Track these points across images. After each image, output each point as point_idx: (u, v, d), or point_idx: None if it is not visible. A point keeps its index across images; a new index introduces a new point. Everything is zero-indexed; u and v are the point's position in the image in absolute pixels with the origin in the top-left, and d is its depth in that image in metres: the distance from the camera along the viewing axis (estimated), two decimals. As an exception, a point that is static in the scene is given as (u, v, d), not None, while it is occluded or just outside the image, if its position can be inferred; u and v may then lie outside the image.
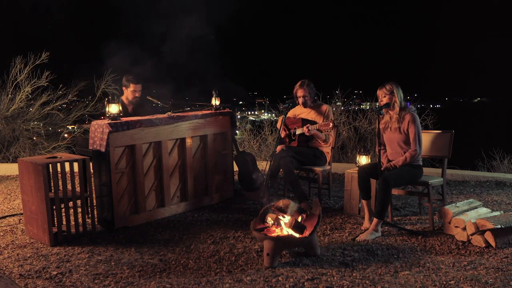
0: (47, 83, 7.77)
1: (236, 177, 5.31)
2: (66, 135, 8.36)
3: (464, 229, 3.46)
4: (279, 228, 3.26)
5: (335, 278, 2.87)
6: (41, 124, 7.88)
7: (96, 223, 3.95)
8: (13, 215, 4.49)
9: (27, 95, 7.76)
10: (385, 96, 3.84)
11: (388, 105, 3.83)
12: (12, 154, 7.61)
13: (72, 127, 8.52)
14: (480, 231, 3.37)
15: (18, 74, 7.70)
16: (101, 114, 8.64)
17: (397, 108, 3.85)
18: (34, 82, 7.71)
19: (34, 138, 7.74)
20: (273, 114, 9.06)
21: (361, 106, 8.76)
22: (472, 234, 3.42)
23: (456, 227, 3.54)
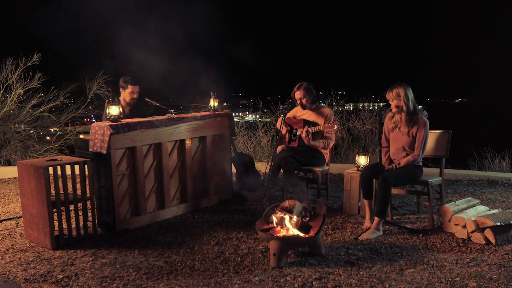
0: (39, 84, 7.66)
1: (233, 178, 5.32)
2: (48, 137, 8.25)
3: (464, 227, 3.53)
4: (284, 228, 3.28)
5: (342, 277, 2.90)
6: (22, 126, 7.71)
7: (97, 225, 3.91)
8: (9, 219, 4.42)
9: (19, 97, 7.63)
10: (393, 101, 3.85)
11: (389, 106, 3.88)
12: (3, 157, 7.48)
13: (54, 129, 8.41)
14: (480, 229, 3.44)
15: (9, 75, 7.57)
16: (86, 116, 8.56)
17: (404, 113, 3.86)
18: (26, 84, 7.60)
19: (17, 140, 7.58)
20: (258, 116, 9.09)
21: (345, 107, 8.83)
22: (472, 232, 3.49)
23: (456, 225, 3.61)
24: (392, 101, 3.85)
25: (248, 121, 9.87)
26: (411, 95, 3.83)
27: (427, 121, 3.87)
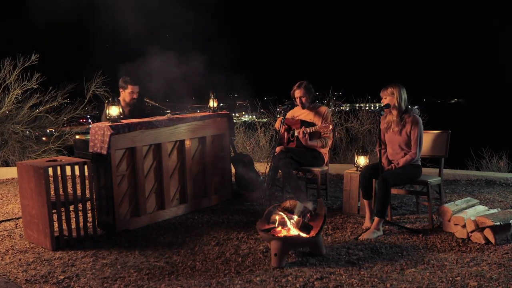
0: (37, 85, 7.64)
1: (233, 178, 5.32)
2: (44, 138, 8.24)
3: (464, 226, 3.55)
4: (285, 229, 3.29)
5: (343, 276, 2.91)
6: (18, 127, 7.68)
7: (97, 226, 3.90)
8: (8, 220, 4.41)
9: (17, 97, 7.60)
10: (386, 98, 3.91)
11: (388, 106, 3.90)
12: (1, 158, 7.45)
13: (50, 130, 8.40)
14: (479, 228, 3.46)
15: (7, 76, 7.54)
16: (82, 117, 8.54)
17: (395, 111, 3.90)
18: (24, 84, 7.57)
19: (15, 141, 7.53)
20: (254, 116, 9.10)
21: (342, 108, 8.86)
22: (472, 232, 3.50)
23: (456, 224, 3.62)
24: (385, 98, 3.92)
25: (245, 121, 9.87)
26: (404, 95, 3.90)
27: (419, 118, 3.92)
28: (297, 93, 4.68)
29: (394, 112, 3.93)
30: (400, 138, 3.92)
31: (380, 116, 3.95)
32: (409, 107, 3.98)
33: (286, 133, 4.80)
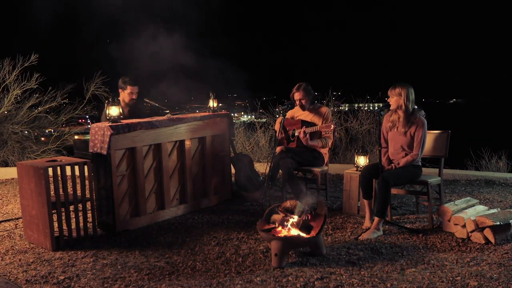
0: (37, 85, 7.63)
1: (233, 178, 5.32)
2: (43, 138, 8.24)
3: (464, 226, 3.55)
4: (285, 229, 3.29)
5: (344, 276, 2.91)
6: (17, 127, 7.67)
7: (97, 226, 3.90)
8: (8, 220, 4.40)
9: (16, 97, 7.59)
10: (392, 97, 3.88)
11: (388, 106, 3.90)
12: (0, 158, 7.45)
13: (49, 130, 8.40)
14: (479, 228, 3.46)
15: (7, 76, 7.53)
16: (81, 117, 8.54)
17: (402, 112, 3.89)
18: (24, 84, 7.56)
19: (14, 141, 7.51)
20: (253, 116, 9.10)
21: (341, 108, 8.87)
22: (471, 231, 3.50)
23: (456, 224, 3.63)
24: (392, 97, 3.88)
25: (244, 121, 9.87)
26: (412, 96, 3.88)
27: (425, 120, 3.90)
28: (297, 95, 4.67)
29: (400, 113, 3.91)
30: (404, 139, 3.91)
31: (380, 116, 3.95)
32: (415, 108, 3.96)
33: (286, 133, 4.79)
